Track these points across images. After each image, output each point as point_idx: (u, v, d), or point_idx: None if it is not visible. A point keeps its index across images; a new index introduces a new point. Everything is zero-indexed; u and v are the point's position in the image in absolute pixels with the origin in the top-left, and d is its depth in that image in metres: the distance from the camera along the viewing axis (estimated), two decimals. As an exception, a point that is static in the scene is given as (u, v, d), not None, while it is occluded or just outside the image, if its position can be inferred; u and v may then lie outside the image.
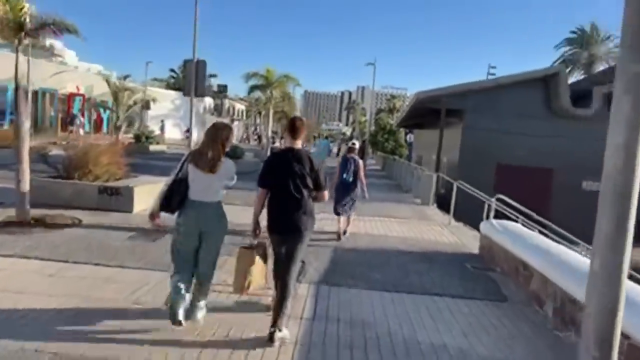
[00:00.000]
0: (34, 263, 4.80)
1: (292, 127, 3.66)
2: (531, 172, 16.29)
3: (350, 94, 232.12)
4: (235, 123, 58.96)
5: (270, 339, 3.31)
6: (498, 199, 7.71)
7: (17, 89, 13.80)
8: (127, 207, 7.88)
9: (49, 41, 42.07)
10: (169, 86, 45.64)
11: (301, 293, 4.39)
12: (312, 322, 3.85)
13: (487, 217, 7.71)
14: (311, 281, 4.82)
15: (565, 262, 4.48)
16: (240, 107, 68.68)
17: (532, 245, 5.39)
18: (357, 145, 8.05)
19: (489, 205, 9.41)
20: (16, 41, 15.13)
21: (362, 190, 7.51)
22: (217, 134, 3.44)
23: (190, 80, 11.04)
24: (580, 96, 15.40)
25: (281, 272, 3.52)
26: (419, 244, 7.27)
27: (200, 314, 3.52)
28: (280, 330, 3.36)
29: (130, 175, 9.18)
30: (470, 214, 11.09)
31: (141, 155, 21.33)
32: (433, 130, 21.89)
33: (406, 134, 41.87)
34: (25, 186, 6.45)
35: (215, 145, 3.39)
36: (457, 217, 12.46)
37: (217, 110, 56.20)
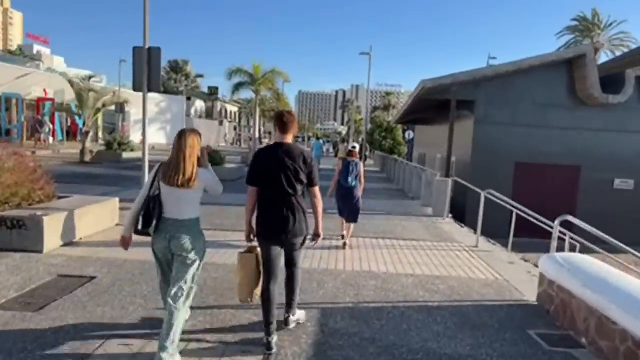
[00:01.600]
0: None
1: (281, 122, 3.46)
2: (555, 171, 14.11)
3: (344, 92, 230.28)
4: (226, 125, 57.00)
5: (286, 323, 3.55)
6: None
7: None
8: (35, 245, 5.61)
9: (36, 48, 40.11)
10: (152, 88, 43.21)
11: None
12: None
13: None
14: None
15: None
16: (232, 109, 67.81)
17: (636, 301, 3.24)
18: (358, 148, 7.41)
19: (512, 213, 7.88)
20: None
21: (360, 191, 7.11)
22: (183, 143, 3.04)
23: (140, 71, 8.76)
24: (607, 81, 13.21)
25: (287, 275, 3.52)
26: (447, 290, 5.02)
27: None
28: (294, 315, 3.62)
29: (53, 197, 6.91)
30: (488, 221, 9.08)
31: (112, 164, 19.14)
32: (438, 125, 19.68)
33: (404, 131, 39.82)
34: None
35: (183, 157, 3.01)
36: (473, 225, 10.27)
37: (209, 113, 54.44)
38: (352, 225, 7.10)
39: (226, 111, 64.43)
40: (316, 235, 3.53)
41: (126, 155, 20.75)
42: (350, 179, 6.86)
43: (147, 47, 8.91)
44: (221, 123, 46.78)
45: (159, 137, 40.61)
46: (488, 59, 41.52)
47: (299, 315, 3.73)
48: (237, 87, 23.72)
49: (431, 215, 10.17)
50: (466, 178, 13.64)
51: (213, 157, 15.91)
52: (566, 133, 13.90)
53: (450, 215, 10.14)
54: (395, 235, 7.82)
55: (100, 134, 32.43)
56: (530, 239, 14.30)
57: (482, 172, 13.95)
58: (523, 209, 7.83)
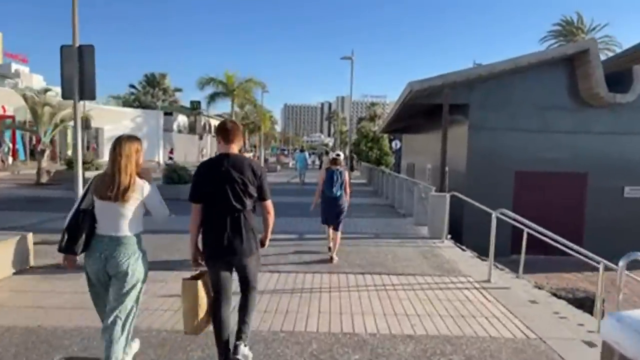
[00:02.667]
0: None
1: (224, 131, 3.15)
2: (559, 179, 12.73)
3: (330, 105, 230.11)
4: (208, 139, 55.35)
5: (235, 351, 3.03)
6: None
7: None
8: None
9: (14, 67, 38.19)
10: (127, 103, 41.39)
11: None
12: None
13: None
14: None
15: None
16: (216, 123, 66.31)
17: None
18: (342, 156, 7.07)
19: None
20: None
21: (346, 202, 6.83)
22: (118, 152, 2.75)
23: (69, 74, 7.13)
24: (612, 80, 11.94)
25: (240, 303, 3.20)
26: (464, 365, 3.45)
27: None
28: (245, 345, 3.09)
29: None
30: (485, 237, 7.63)
31: (73, 184, 17.31)
32: (427, 133, 18.28)
33: (391, 140, 38.61)
34: None
35: (118, 167, 2.74)
36: (473, 245, 8.85)
37: (192, 127, 52.81)
38: (339, 237, 6.82)
39: (210, 125, 63.36)
40: (261, 244, 3.24)
41: (90, 174, 18.90)
42: (335, 189, 6.54)
43: (77, 44, 7.30)
44: (201, 137, 45.00)
45: (135, 153, 38.71)
46: (473, 65, 40.61)
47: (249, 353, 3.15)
48: (212, 97, 22.17)
49: (427, 237, 8.63)
50: (461, 190, 12.16)
51: (181, 175, 14.27)
52: (570, 137, 12.56)
53: (449, 236, 8.62)
54: (387, 268, 6.24)
55: (69, 153, 30.50)
56: (534, 255, 12.91)
57: (478, 183, 12.53)
58: (539, 229, 6.37)
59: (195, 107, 55.92)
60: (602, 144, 12.53)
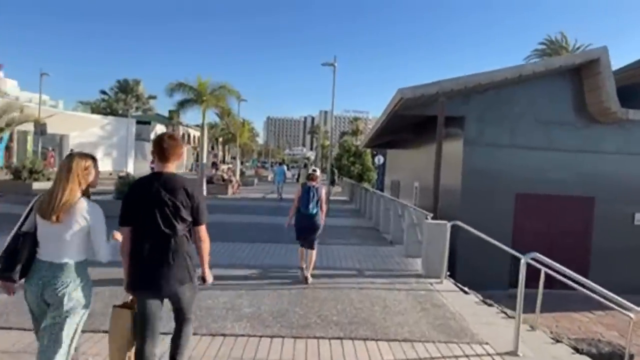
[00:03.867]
0: None
1: (160, 147, 2.87)
2: (564, 203, 11.35)
3: (313, 118, 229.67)
4: (185, 150, 53.30)
5: None
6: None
7: None
8: None
9: None
10: (96, 109, 39.12)
11: None
12: None
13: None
14: None
15: None
16: (196, 133, 64.49)
17: None
18: (319, 172, 6.86)
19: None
20: None
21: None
22: (65, 169, 2.59)
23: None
24: (619, 93, 10.70)
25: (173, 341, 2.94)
26: None
27: None
28: None
29: None
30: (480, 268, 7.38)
31: (19, 197, 15.19)
32: (415, 149, 16.84)
33: (374, 155, 37.34)
34: None
35: (62, 185, 2.55)
36: (460, 273, 7.40)
37: (169, 137, 50.65)
38: (314, 255, 6.57)
39: (189, 136, 61.48)
40: (202, 279, 2.99)
41: (38, 185, 16.84)
42: (310, 206, 6.28)
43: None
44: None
45: (104, 163, 36.47)
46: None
47: None
48: (181, 105, 20.35)
49: (421, 274, 7.01)
50: (455, 213, 10.66)
51: (125, 192, 12.34)
52: (576, 157, 11.22)
53: (448, 273, 7.01)
54: (374, 329, 4.56)
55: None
56: (535, 289, 11.44)
57: (474, 206, 11.06)
58: (558, 266, 4.96)
59: (173, 116, 54.04)
60: (611, 165, 11.22)
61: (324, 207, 6.50)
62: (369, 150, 38.53)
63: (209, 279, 3.01)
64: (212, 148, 71.93)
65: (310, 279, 6.17)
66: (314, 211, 6.29)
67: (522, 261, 4.43)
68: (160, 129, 49.99)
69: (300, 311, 4.96)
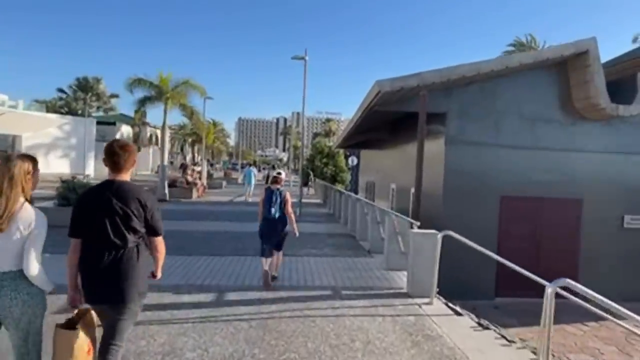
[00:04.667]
0: None
1: (112, 155, 2.73)
2: (551, 206, 10.64)
3: (285, 120, 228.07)
4: (151, 151, 51.09)
5: None
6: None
7: None
8: None
9: None
10: (52, 109, 36.75)
11: None
12: None
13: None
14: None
15: None
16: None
17: None
18: (283, 175, 6.62)
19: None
20: None
21: (292, 227, 6.34)
22: (8, 175, 2.45)
23: None
24: (609, 88, 10.08)
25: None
26: None
27: None
28: None
29: None
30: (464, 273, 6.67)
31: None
32: (391, 149, 15.96)
33: (347, 156, 36.53)
34: None
35: (7, 192, 2.44)
36: (448, 288, 6.55)
37: (136, 139, 48.38)
38: (280, 255, 6.47)
39: (157, 137, 59.40)
40: (152, 274, 2.91)
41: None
42: (273, 210, 6.13)
43: None
44: (139, 149, 40.85)
45: (61, 165, 34.30)
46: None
47: None
48: (142, 102, 18.86)
49: (407, 292, 6.01)
50: (436, 218, 9.80)
51: (69, 198, 10.98)
52: (563, 156, 10.53)
53: (438, 294, 6.02)
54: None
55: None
56: (522, 298, 10.68)
57: (457, 210, 10.25)
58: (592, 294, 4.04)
59: (139, 117, 51.68)
60: (599, 165, 10.58)
61: (290, 209, 6.24)
62: (342, 151, 37.65)
63: (158, 274, 2.94)
64: (182, 150, 69.70)
65: (277, 276, 6.34)
66: (277, 215, 6.11)
67: (549, 290, 3.43)
68: (126, 130, 47.72)
69: (261, 354, 3.85)
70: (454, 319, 5.24)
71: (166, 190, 18.81)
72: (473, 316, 5.78)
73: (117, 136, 44.11)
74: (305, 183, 32.17)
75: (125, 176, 2.77)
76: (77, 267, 2.66)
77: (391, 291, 6.09)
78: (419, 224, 6.17)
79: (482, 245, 5.58)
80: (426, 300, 5.67)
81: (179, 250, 8.06)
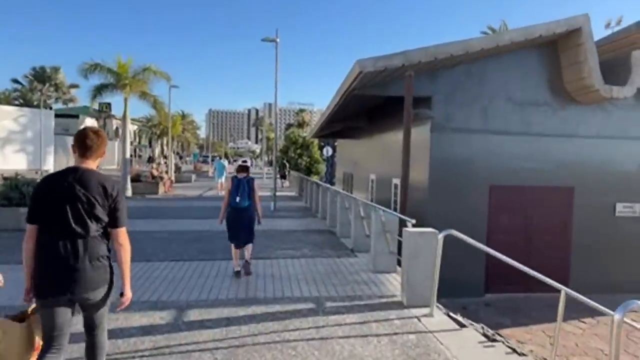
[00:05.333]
0: None
1: (82, 143, 2.61)
2: (542, 195, 10.03)
3: (257, 111, 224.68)
4: (116, 145, 48.87)
5: None
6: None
7: None
8: None
9: None
10: (5, 100, 34.31)
11: None
12: None
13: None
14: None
15: None
16: (131, 127, 59.72)
17: None
18: (249, 163, 7.07)
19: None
20: None
21: (257, 216, 6.31)
22: None
23: None
24: (601, 70, 9.48)
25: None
26: None
27: None
28: None
29: None
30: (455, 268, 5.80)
31: None
32: (369, 138, 15.13)
33: (321, 147, 35.65)
34: None
35: None
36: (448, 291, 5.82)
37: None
38: (251, 247, 6.34)
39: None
40: (121, 295, 2.73)
41: None
42: (238, 198, 6.01)
43: None
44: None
45: (18, 160, 32.09)
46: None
47: None
48: (99, 90, 17.35)
49: (400, 301, 5.17)
50: (421, 210, 9.04)
51: (25, 194, 9.74)
52: (553, 142, 9.92)
53: (438, 305, 5.18)
54: None
55: None
56: (513, 293, 10.10)
57: (443, 201, 9.55)
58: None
59: (104, 108, 49.30)
60: (591, 151, 10.03)
61: (257, 199, 6.20)
62: (316, 142, 36.70)
63: (128, 294, 2.74)
64: (151, 143, 67.26)
65: (251, 267, 6.23)
66: (243, 204, 6.02)
67: (616, 318, 2.61)
68: (90, 122, 45.31)
69: (227, 405, 2.91)
70: (459, 334, 4.43)
71: (129, 185, 17.45)
72: (478, 327, 5.01)
73: (79, 128, 41.63)
74: (283, 175, 31.07)
75: (92, 164, 2.64)
76: (34, 256, 2.49)
77: (383, 300, 5.23)
78: (414, 221, 5.30)
79: (472, 237, 4.80)
80: (425, 311, 4.83)
81: (135, 256, 6.93)
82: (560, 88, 9.85)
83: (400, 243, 5.68)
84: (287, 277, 6.13)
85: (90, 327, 2.66)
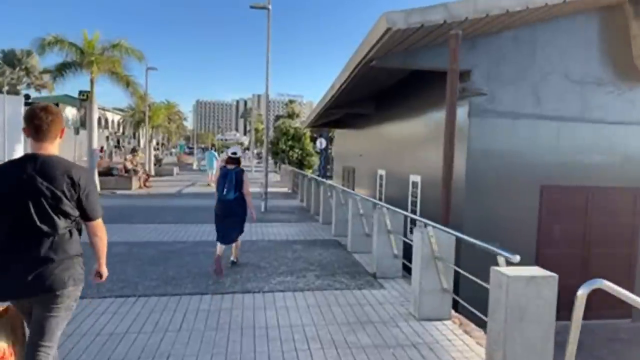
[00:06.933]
0: None
1: (30, 123, 2.25)
2: (604, 198, 8.00)
3: (245, 102, 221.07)
4: (96, 134, 46.10)
5: None
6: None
7: None
8: None
9: None
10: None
11: None
12: None
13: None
14: None
15: None
16: (114, 117, 57.04)
17: None
18: (239, 154, 6.19)
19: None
20: None
21: (250, 211, 6.06)
22: None
23: None
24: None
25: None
26: None
27: None
28: None
29: None
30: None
31: None
32: (379, 126, 12.89)
33: (314, 139, 33.51)
34: None
35: None
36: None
37: (83, 122, 43.22)
38: (237, 243, 6.20)
39: (106, 120, 54.34)
40: (97, 273, 2.58)
41: None
42: (225, 190, 5.83)
43: None
44: (77, 132, 36.05)
45: (-18, 152, 29.33)
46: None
47: None
48: (60, 70, 14.92)
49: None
50: (455, 214, 6.94)
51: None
52: (618, 131, 7.89)
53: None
54: None
55: None
56: (613, 320, 8.10)
57: (483, 205, 7.44)
58: None
59: (85, 97, 46.43)
60: (664, 143, 8.01)
61: (247, 191, 5.95)
62: (308, 133, 34.49)
63: (104, 272, 2.58)
64: (135, 134, 64.42)
65: (236, 260, 6.15)
66: (230, 196, 5.83)
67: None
68: (70, 112, 42.45)
69: None
70: None
71: (96, 180, 15.10)
72: None
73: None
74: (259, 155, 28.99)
75: (52, 148, 2.28)
76: None
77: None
78: (518, 258, 3.08)
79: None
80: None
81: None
82: (628, 63, 7.79)
83: (466, 281, 3.58)
84: (288, 332, 3.97)
85: (36, 336, 2.21)
